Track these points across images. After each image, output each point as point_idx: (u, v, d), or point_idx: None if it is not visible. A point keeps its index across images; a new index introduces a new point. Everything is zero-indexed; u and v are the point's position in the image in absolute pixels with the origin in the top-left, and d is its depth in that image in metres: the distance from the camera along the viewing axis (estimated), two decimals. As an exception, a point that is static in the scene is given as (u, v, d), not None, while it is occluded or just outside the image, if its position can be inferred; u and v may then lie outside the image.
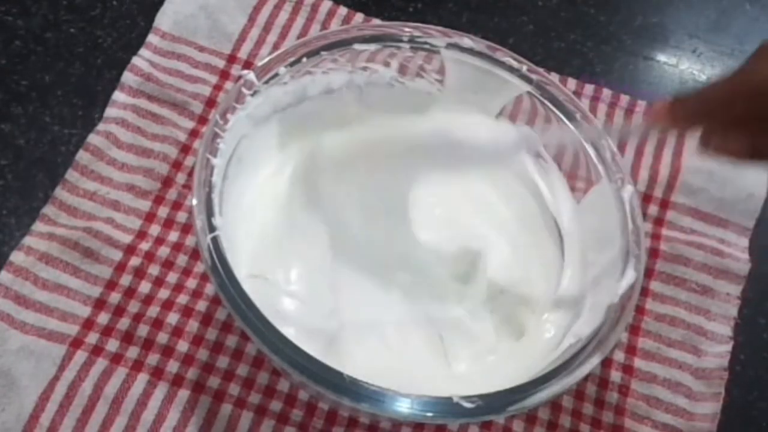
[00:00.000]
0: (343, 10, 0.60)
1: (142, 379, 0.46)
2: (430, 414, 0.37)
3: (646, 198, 0.56)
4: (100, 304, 0.48)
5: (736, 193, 0.56)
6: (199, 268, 0.50)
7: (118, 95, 0.54)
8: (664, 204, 0.56)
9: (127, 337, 0.47)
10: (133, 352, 0.47)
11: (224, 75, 0.56)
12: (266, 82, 0.45)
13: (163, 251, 0.50)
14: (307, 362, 0.37)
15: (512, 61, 0.48)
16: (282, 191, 0.49)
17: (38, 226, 0.50)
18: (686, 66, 0.63)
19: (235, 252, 0.44)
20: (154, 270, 0.49)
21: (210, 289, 0.49)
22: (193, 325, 0.48)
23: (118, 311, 0.48)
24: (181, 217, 0.52)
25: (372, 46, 0.48)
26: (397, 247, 0.48)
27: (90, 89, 0.55)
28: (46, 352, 0.46)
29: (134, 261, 0.49)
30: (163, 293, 0.49)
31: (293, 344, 0.38)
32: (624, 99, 0.59)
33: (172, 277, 0.49)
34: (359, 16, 0.60)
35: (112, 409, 0.45)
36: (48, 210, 0.50)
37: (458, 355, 0.46)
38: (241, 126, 0.45)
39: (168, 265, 0.50)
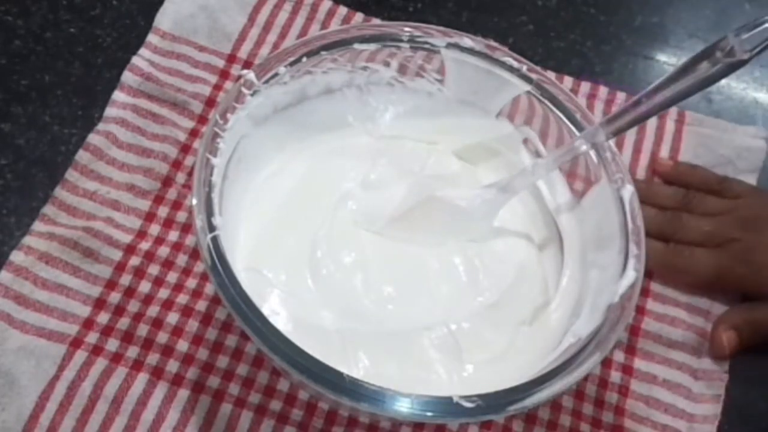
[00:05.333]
0: (343, 10, 0.60)
1: (142, 378, 0.46)
2: (430, 414, 0.37)
3: (646, 198, 0.55)
4: (100, 303, 0.48)
5: (736, 193, 0.56)
6: (199, 267, 0.50)
7: (117, 95, 0.54)
8: (664, 204, 0.55)
9: (127, 337, 0.47)
10: (133, 351, 0.47)
11: (224, 75, 0.56)
12: (266, 82, 0.45)
13: (163, 251, 0.50)
14: (307, 362, 0.37)
15: (512, 60, 0.48)
16: (282, 190, 0.49)
17: (38, 226, 0.50)
18: (686, 66, 0.63)
19: (234, 251, 0.44)
20: (154, 270, 0.49)
21: (210, 288, 0.49)
22: (193, 325, 0.48)
23: (118, 311, 0.48)
24: (181, 216, 0.52)
25: (372, 46, 0.48)
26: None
27: (90, 89, 0.55)
28: (46, 351, 0.46)
29: (134, 261, 0.49)
30: (163, 293, 0.49)
31: (293, 344, 0.38)
32: (620, 96, 0.59)
33: (172, 277, 0.49)
34: (359, 16, 0.60)
35: (112, 409, 0.45)
36: (48, 210, 0.50)
37: (470, 359, 0.46)
38: (241, 126, 0.45)
39: (168, 264, 0.50)
